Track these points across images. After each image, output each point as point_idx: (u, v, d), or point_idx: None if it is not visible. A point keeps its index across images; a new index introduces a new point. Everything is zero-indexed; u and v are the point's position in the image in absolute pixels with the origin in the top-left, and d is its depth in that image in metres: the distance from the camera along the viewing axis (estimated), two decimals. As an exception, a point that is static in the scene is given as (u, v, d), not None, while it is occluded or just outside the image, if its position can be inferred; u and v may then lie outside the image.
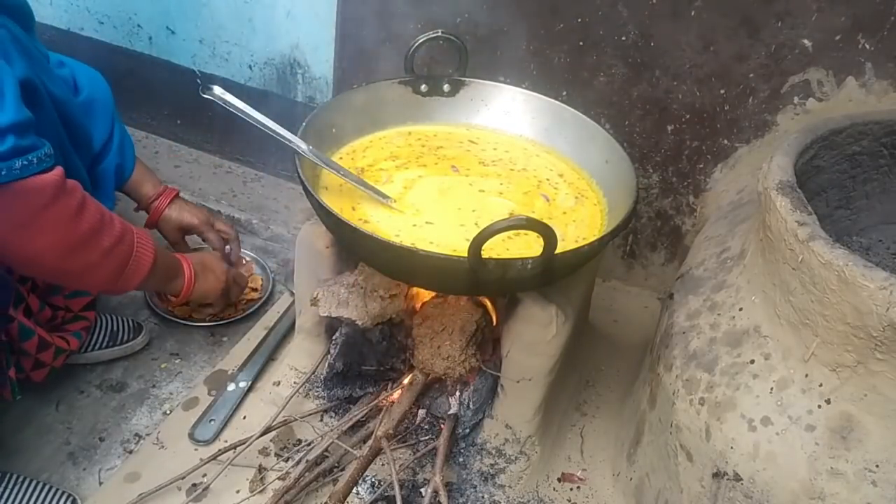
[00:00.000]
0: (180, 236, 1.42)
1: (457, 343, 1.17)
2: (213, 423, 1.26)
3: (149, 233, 1.12)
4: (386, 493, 1.16)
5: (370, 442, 1.14)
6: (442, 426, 1.24)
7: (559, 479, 1.23)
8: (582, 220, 1.13)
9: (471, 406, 1.22)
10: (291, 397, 1.25)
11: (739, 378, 0.95)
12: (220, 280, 1.31)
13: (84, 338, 1.27)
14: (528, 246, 1.03)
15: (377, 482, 1.19)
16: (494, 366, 1.22)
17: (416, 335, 1.20)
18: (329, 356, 1.28)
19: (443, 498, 1.08)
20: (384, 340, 1.25)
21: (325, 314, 1.18)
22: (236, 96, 1.03)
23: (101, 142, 1.26)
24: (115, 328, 1.38)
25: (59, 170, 0.92)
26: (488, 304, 1.24)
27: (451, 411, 1.23)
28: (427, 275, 1.01)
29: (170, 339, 1.46)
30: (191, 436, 1.24)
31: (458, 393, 1.23)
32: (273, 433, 1.23)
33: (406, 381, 1.24)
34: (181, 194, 1.42)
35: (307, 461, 1.17)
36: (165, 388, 1.36)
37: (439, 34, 1.23)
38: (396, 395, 1.24)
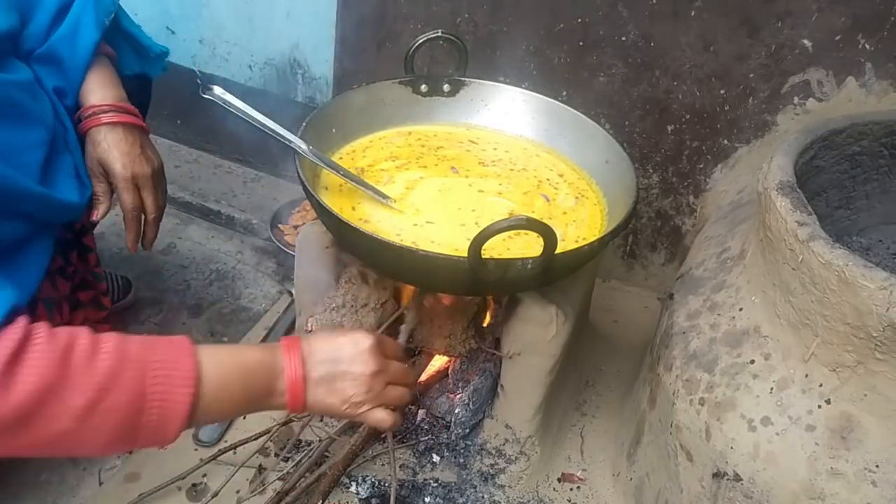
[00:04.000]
0: (100, 171, 1.03)
1: (458, 323, 1.17)
2: (216, 424, 1.26)
3: (191, 349, 0.76)
4: (386, 493, 1.16)
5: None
6: (442, 426, 1.24)
7: (559, 479, 1.23)
8: (582, 220, 1.13)
9: (471, 406, 1.22)
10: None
11: (739, 378, 0.95)
12: (359, 387, 0.85)
13: None
14: (528, 246, 1.03)
15: (377, 482, 1.19)
16: (494, 366, 1.22)
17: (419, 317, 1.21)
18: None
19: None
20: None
21: None
22: (236, 96, 1.03)
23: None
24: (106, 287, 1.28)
25: None
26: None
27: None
28: (427, 275, 1.01)
29: (170, 339, 1.46)
30: (195, 437, 1.24)
31: (461, 393, 1.22)
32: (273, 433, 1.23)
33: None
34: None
35: (307, 461, 1.17)
36: (165, 388, 1.36)
37: (439, 34, 1.23)
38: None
